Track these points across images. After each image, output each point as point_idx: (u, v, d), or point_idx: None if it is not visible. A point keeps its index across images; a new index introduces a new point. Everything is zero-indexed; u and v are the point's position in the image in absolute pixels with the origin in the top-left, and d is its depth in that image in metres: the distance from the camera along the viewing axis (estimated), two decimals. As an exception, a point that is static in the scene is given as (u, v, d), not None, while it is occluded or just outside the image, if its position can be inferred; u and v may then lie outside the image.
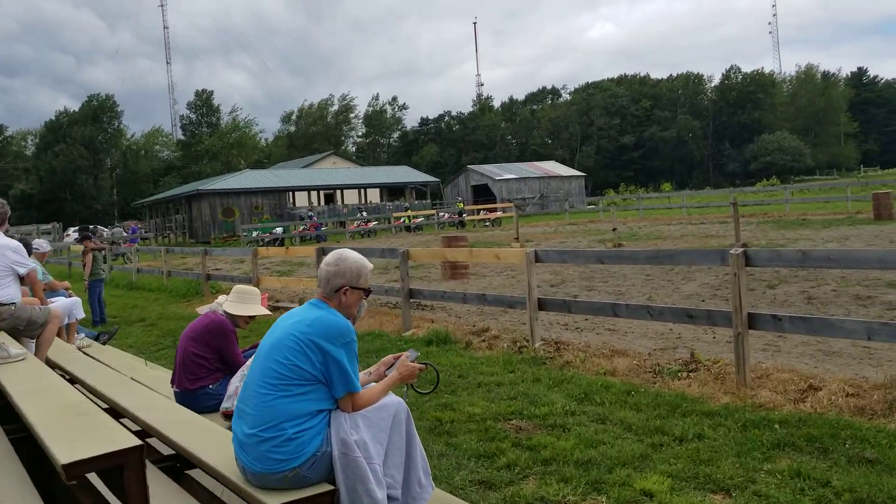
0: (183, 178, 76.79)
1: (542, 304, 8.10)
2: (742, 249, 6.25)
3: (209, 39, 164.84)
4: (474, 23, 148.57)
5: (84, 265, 12.98)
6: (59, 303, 7.59)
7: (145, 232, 45.71)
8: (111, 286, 19.98)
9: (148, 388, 5.20)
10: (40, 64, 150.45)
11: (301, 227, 35.53)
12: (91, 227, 31.98)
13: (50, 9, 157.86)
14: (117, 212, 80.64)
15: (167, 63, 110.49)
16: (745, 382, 6.18)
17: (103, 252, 13.34)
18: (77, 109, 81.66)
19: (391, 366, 3.59)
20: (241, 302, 5.30)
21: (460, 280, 15.29)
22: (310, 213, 39.83)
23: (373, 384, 3.48)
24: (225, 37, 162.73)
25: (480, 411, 6.14)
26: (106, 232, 37.36)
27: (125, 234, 33.42)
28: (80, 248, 26.61)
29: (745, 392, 6.07)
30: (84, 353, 7.09)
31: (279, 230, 34.62)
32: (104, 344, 8.83)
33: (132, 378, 5.78)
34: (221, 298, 5.43)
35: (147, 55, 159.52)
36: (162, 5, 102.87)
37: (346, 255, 3.43)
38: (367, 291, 3.45)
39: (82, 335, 8.41)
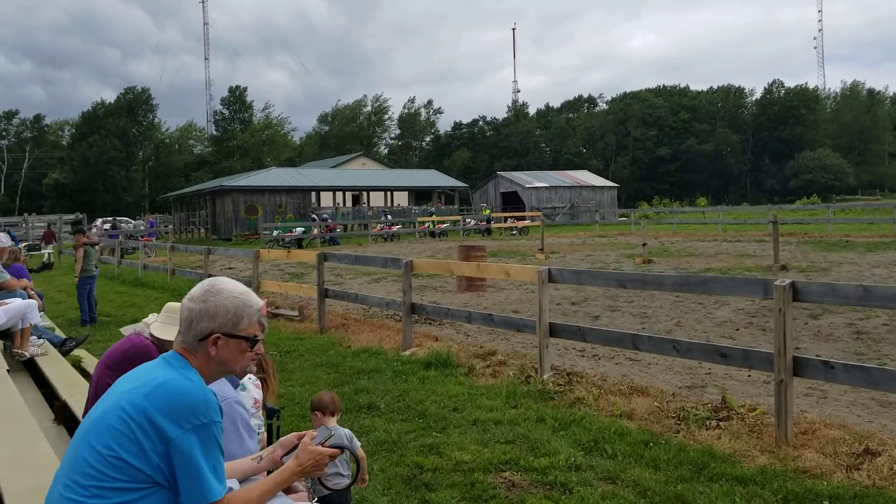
0: (214, 174, 76.85)
1: (554, 330, 7.14)
2: (790, 282, 5.23)
3: (252, 37, 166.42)
4: (513, 29, 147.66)
5: (76, 260, 12.26)
6: (10, 305, 6.83)
7: (165, 226, 45.51)
8: (118, 281, 19.40)
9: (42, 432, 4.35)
10: (87, 57, 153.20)
11: (315, 229, 34.79)
12: (112, 219, 31.58)
13: (99, 3, 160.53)
14: (148, 204, 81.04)
15: (205, 59, 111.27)
16: (786, 439, 5.18)
17: (96, 247, 12.60)
18: (112, 101, 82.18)
19: (292, 450, 2.48)
20: (171, 324, 4.33)
21: (476, 292, 14.36)
22: (324, 215, 39.06)
23: (257, 480, 2.44)
24: (267, 35, 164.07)
25: (470, 458, 5.23)
26: (131, 224, 37.09)
27: (142, 227, 33.01)
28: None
29: (787, 452, 5.07)
30: (26, 362, 6.30)
31: (299, 230, 33.97)
32: (68, 352, 8.02)
33: (56, 402, 4.97)
34: (150, 318, 4.46)
35: (190, 51, 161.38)
36: (203, 1, 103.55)
37: (221, 288, 2.35)
38: (253, 341, 2.36)
39: (42, 341, 7.62)
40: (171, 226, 44.21)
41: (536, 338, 7.25)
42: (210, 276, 14.30)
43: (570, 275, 7.06)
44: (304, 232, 33.72)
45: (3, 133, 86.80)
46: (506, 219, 42.86)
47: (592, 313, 11.85)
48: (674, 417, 5.98)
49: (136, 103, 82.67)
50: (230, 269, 20.91)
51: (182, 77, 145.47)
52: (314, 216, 38.53)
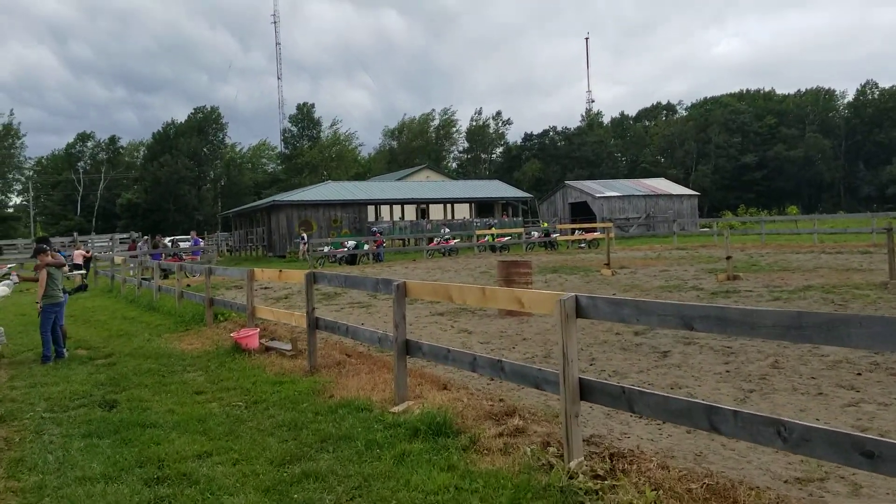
0: (282, 192, 76.57)
1: (587, 391, 4.70)
2: None
3: (332, 58, 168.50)
4: (586, 38, 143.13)
5: (39, 284, 10.45)
6: None
7: (226, 244, 44.53)
8: (134, 305, 17.79)
9: None
10: (176, 81, 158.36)
11: (362, 246, 32.83)
12: (152, 237, 30.32)
13: (188, 29, 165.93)
14: (220, 223, 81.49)
15: (278, 78, 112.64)
16: None
17: (63, 269, 10.76)
18: (183, 121, 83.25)
19: None
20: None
21: (518, 318, 11.94)
22: (373, 229, 37.04)
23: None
24: (346, 55, 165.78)
25: None
26: (167, 240, 36.04)
27: (187, 245, 31.75)
28: (118, 257, 24.89)
29: None
30: None
31: (351, 244, 32.15)
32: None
33: None
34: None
35: (273, 72, 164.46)
36: (274, 22, 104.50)
37: None
38: None
39: None
40: (223, 244, 43.06)
41: (560, 402, 4.81)
42: (211, 301, 12.30)
43: (606, 306, 4.59)
44: (356, 247, 31.86)
45: (79, 155, 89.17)
46: (573, 231, 39.96)
47: (660, 347, 9.24)
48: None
49: (206, 122, 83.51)
50: (234, 298, 19.08)
51: (268, 98, 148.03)
52: (374, 230, 36.66)
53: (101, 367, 9.91)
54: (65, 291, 10.87)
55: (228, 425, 6.63)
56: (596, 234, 38.67)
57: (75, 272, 24.31)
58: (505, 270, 12.40)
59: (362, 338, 7.81)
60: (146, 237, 32.34)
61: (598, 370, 8.11)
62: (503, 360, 5.53)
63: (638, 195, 52.79)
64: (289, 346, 9.73)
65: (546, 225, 40.65)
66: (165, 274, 20.78)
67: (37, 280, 10.62)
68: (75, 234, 42.36)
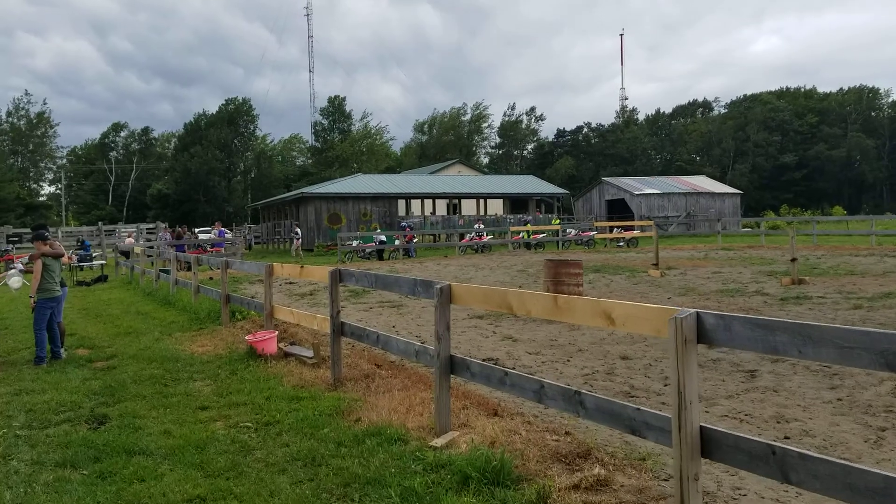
0: (312, 185, 75.78)
1: (712, 446, 3.38)
2: None
3: (368, 53, 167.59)
4: (621, 35, 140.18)
5: (33, 276, 9.34)
6: None
7: (256, 237, 43.61)
8: (150, 299, 16.73)
9: None
10: (213, 74, 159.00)
11: (392, 241, 31.56)
12: (175, 227, 29.35)
13: (226, 22, 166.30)
14: (249, 215, 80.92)
15: (310, 71, 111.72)
16: None
17: (63, 260, 9.62)
18: (215, 112, 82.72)
19: None
20: None
21: (567, 323, 10.59)
22: (402, 224, 35.70)
23: None
24: (382, 51, 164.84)
25: None
26: (211, 233, 35.13)
27: (212, 236, 30.76)
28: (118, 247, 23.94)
29: None
30: None
31: (382, 238, 30.96)
32: None
33: None
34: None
35: (308, 67, 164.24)
36: (307, 14, 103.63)
37: None
38: None
39: None
40: (250, 236, 42.09)
41: (674, 457, 3.49)
42: (228, 297, 11.15)
43: (746, 329, 3.25)
44: (383, 242, 30.66)
45: (112, 145, 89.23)
46: (611, 228, 38.34)
47: (743, 363, 7.86)
48: None
49: (237, 114, 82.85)
50: (252, 297, 17.99)
51: (302, 92, 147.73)
52: (404, 224, 35.39)
53: (99, 371, 8.77)
54: (63, 285, 9.75)
55: (232, 456, 5.42)
56: (635, 233, 37.07)
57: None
58: (553, 270, 11.06)
59: (395, 350, 6.53)
60: (165, 226, 31.46)
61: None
62: (582, 391, 4.21)
63: (678, 193, 50.84)
64: (310, 353, 8.51)
65: (558, 221, 38.97)
66: (189, 266, 19.76)
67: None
68: (100, 223, 41.76)
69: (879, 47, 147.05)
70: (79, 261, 24.01)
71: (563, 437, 5.33)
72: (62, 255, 9.43)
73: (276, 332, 9.21)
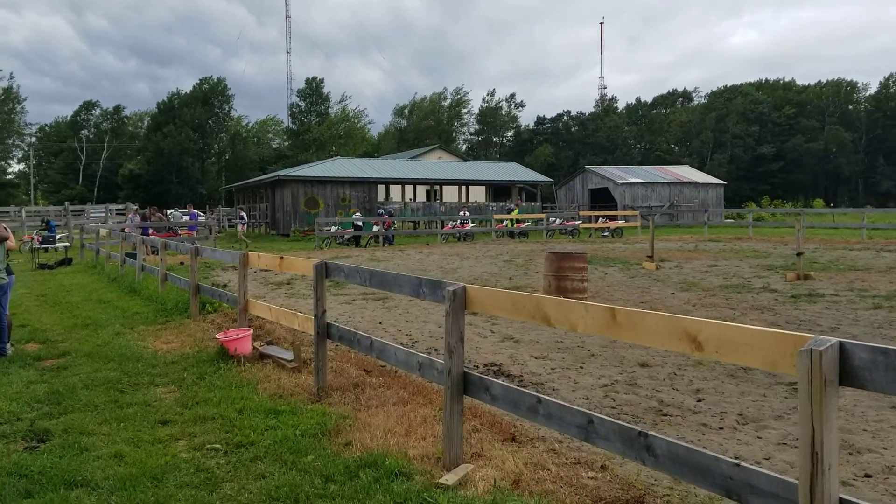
0: (288, 167, 74.12)
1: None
2: None
3: (348, 35, 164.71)
4: (601, 24, 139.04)
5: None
6: None
7: (229, 220, 42.21)
8: (115, 286, 15.56)
9: None
10: (191, 54, 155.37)
11: (370, 227, 30.40)
12: (144, 208, 27.95)
13: (204, 2, 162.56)
14: (223, 197, 79.11)
15: (287, 52, 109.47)
16: None
17: (8, 244, 8.45)
18: (189, 91, 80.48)
19: None
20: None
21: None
22: (380, 210, 34.49)
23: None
24: (362, 33, 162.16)
25: None
26: (170, 213, 33.75)
27: (183, 219, 29.35)
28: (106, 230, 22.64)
29: None
30: None
31: (358, 223, 29.87)
32: None
33: None
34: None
35: (288, 49, 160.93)
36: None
37: None
38: None
39: None
40: (244, 218, 40.71)
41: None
42: (197, 288, 10.10)
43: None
44: (359, 228, 29.56)
45: (83, 123, 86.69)
46: (596, 218, 37.53)
47: (783, 375, 6.99)
48: None
49: (212, 94, 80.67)
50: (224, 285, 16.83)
51: (281, 75, 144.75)
52: (381, 210, 34.21)
53: (48, 372, 7.70)
54: (10, 272, 8.62)
55: (195, 491, 4.43)
56: (619, 223, 36.32)
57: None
58: (556, 264, 10.13)
59: (394, 360, 5.54)
60: (135, 208, 30.04)
61: (717, 412, 5.85)
62: (651, 434, 3.26)
63: (662, 182, 50.14)
64: (289, 355, 7.51)
65: (517, 213, 37.87)
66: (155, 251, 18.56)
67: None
68: (67, 203, 40.05)
69: (854, 42, 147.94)
70: (42, 242, 22.64)
71: (601, 473, 4.40)
72: (6, 239, 8.29)
73: (251, 330, 8.19)
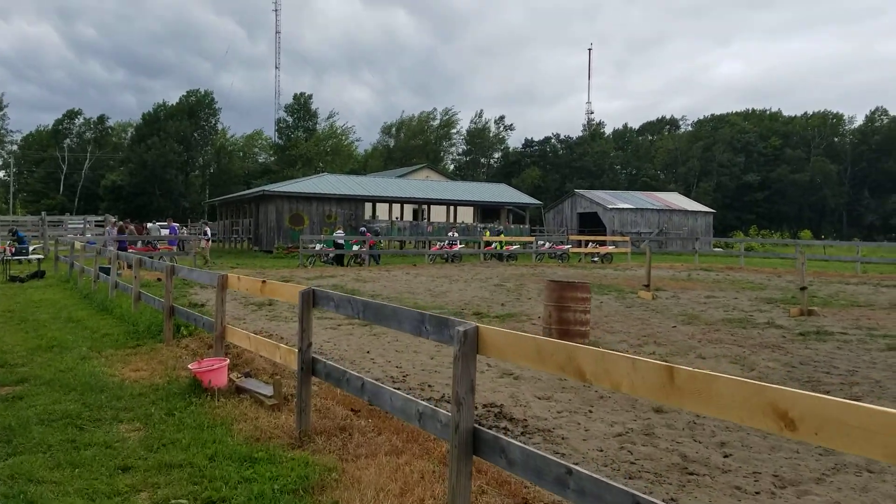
0: (273, 183, 73.29)
1: None
2: None
3: (338, 53, 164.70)
4: (589, 49, 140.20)
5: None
6: None
7: (195, 234, 41.25)
8: (86, 303, 14.76)
9: None
10: (180, 67, 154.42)
11: (349, 246, 29.58)
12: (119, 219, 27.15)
13: (195, 14, 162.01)
14: (206, 211, 78.09)
15: (276, 67, 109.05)
16: None
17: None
18: (175, 103, 79.61)
19: None
20: None
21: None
22: (362, 229, 33.67)
23: None
24: (353, 52, 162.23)
25: None
26: (150, 226, 32.94)
27: (161, 232, 28.50)
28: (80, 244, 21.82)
29: None
30: None
31: (340, 241, 29.18)
32: None
33: None
34: None
35: (281, 67, 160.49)
36: (276, 10, 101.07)
37: None
38: None
39: None
40: (208, 234, 39.91)
41: None
42: (172, 309, 9.40)
43: None
44: (342, 246, 28.85)
45: (66, 132, 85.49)
46: (586, 243, 37.04)
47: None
48: None
49: (198, 106, 79.90)
50: (202, 305, 16.12)
51: (270, 91, 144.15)
52: (363, 229, 33.43)
53: (1, 402, 6.94)
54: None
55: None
56: (610, 249, 35.86)
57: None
58: (557, 293, 9.51)
59: (389, 407, 4.87)
60: (114, 220, 29.15)
61: (749, 472, 5.22)
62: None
63: (651, 209, 49.84)
64: (269, 390, 6.81)
65: (502, 237, 36.75)
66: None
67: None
68: (43, 213, 39.05)
69: (839, 76, 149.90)
70: (14, 254, 21.75)
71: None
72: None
73: (228, 360, 7.49)
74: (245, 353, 8.43)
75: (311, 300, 5.77)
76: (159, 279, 17.50)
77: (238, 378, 7.41)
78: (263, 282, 6.92)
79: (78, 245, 19.17)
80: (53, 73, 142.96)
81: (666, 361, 9.41)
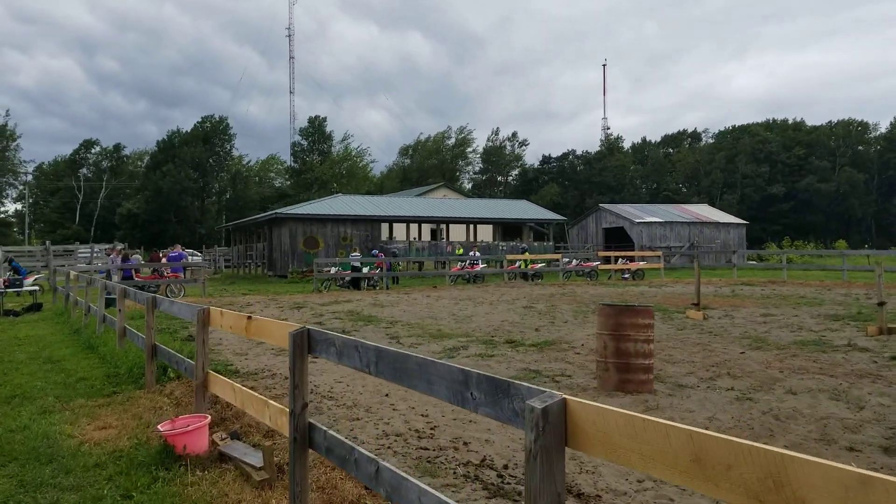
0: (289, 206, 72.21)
1: None
2: None
3: (355, 78, 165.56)
4: (604, 65, 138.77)
5: None
6: None
7: (225, 260, 40.04)
8: (72, 340, 13.28)
9: None
10: (199, 96, 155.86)
11: (365, 268, 27.95)
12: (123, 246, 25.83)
13: (214, 45, 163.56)
14: (223, 237, 77.10)
15: (290, 92, 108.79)
16: None
17: None
18: (189, 130, 79.02)
19: None
20: None
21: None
22: (374, 251, 31.90)
23: None
24: (369, 77, 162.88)
25: None
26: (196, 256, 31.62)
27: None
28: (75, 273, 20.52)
29: None
30: None
31: (356, 263, 27.64)
32: None
33: None
34: None
35: (297, 92, 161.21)
36: (289, 35, 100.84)
37: None
38: None
39: None
40: (213, 259, 38.60)
41: None
42: (154, 349, 7.86)
43: None
44: (358, 268, 27.27)
45: (82, 162, 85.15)
46: (616, 259, 35.26)
47: None
48: None
49: (213, 133, 79.22)
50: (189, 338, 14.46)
51: (287, 115, 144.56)
52: (375, 251, 31.84)
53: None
54: None
55: None
56: (641, 264, 34.04)
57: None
58: (613, 320, 7.85)
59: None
60: (119, 248, 27.85)
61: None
62: None
63: (681, 222, 47.83)
64: (258, 460, 5.22)
65: (528, 255, 34.32)
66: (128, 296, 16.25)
67: None
68: (47, 242, 37.95)
69: (858, 85, 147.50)
70: (9, 286, 20.42)
71: None
72: None
73: (209, 418, 5.91)
74: (233, 406, 6.85)
75: (305, 345, 4.19)
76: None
77: (222, 440, 5.82)
78: (249, 317, 5.34)
79: (73, 274, 17.78)
80: (76, 106, 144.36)
81: (749, 399, 7.59)
